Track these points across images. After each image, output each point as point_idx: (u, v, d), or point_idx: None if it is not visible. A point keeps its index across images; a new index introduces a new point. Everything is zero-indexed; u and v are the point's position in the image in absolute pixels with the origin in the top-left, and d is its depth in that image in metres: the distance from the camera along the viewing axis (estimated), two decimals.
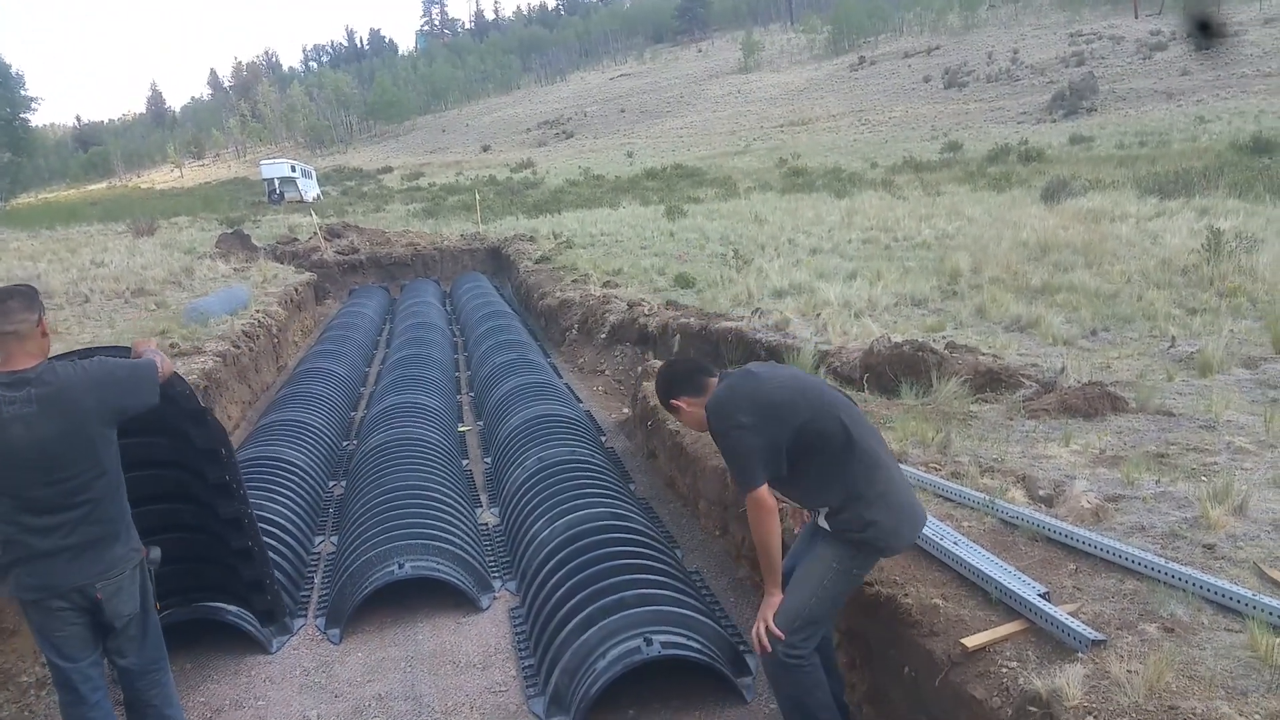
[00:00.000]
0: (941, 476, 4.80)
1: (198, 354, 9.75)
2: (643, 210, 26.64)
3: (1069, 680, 2.81)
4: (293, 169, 55.45)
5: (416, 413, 8.56)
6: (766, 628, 3.33)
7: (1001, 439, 5.49)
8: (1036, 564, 3.74)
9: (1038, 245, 13.23)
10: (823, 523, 3.43)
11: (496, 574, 5.86)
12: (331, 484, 7.80)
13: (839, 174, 35.41)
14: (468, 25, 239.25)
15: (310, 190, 54.48)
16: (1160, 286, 10.16)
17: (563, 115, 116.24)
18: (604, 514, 5.74)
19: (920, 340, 7.94)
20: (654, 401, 7.52)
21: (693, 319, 10.44)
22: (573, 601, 4.65)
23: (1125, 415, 5.84)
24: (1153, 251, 12.06)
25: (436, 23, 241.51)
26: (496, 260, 21.95)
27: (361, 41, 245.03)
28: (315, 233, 23.30)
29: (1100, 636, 3.04)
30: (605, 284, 14.06)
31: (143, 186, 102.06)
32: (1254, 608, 3.08)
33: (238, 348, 10.98)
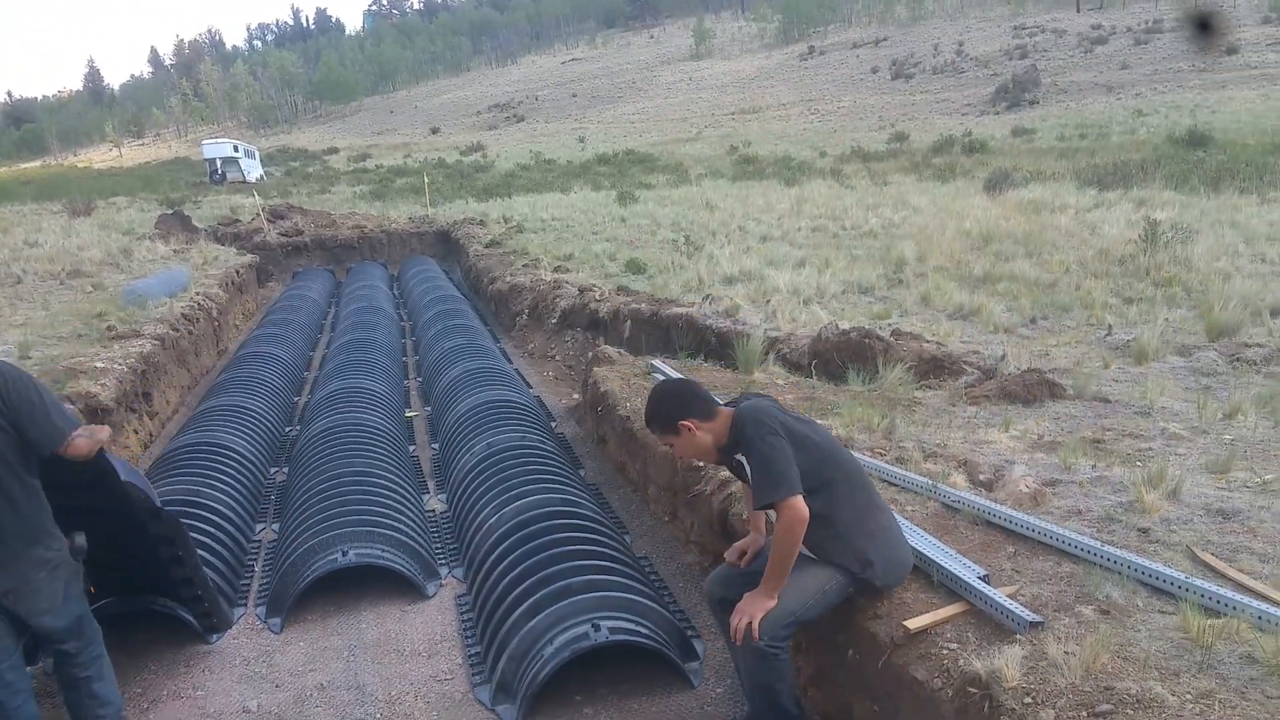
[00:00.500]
0: (886, 461, 4.86)
1: (135, 337, 9.53)
2: (594, 195, 26.55)
3: (1008, 661, 2.86)
4: (235, 149, 54.38)
5: (362, 398, 8.45)
6: (750, 625, 3.32)
7: (944, 425, 5.58)
8: (977, 547, 3.81)
9: (980, 235, 13.46)
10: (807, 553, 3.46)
11: (443, 561, 5.81)
12: (273, 470, 7.67)
13: (789, 162, 35.61)
14: (417, 6, 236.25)
15: (253, 171, 53.49)
16: (1098, 276, 10.40)
17: (513, 99, 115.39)
18: (553, 500, 5.71)
19: (867, 327, 8.04)
20: (605, 387, 7.51)
21: (644, 305, 10.44)
22: (521, 588, 4.62)
23: (1063, 402, 5.97)
24: (1091, 242, 12.34)
25: (385, 2, 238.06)
26: (445, 244, 21.72)
27: (308, 20, 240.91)
28: (258, 214, 22.87)
29: (1038, 618, 3.10)
30: (556, 269, 14.00)
31: (80, 165, 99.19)
32: (1186, 590, 3.16)
33: (177, 331, 10.76)
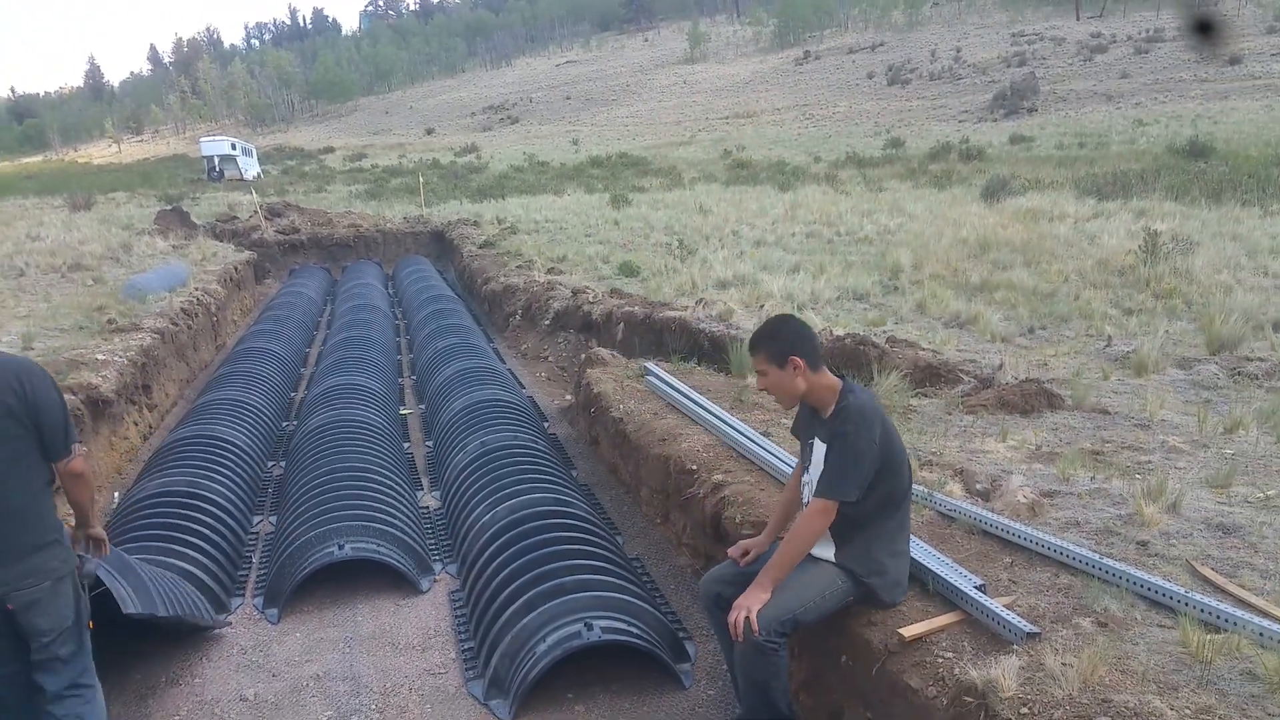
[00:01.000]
0: None
1: (135, 330, 9.54)
2: (588, 198, 26.52)
3: (1004, 671, 2.86)
4: (233, 147, 54.18)
5: (358, 395, 8.43)
6: (749, 618, 3.31)
7: (940, 433, 5.57)
8: (973, 557, 3.80)
9: (977, 243, 13.46)
10: (826, 554, 3.48)
11: (437, 557, 5.80)
12: (270, 464, 7.65)
13: (783, 167, 35.61)
14: (413, 6, 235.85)
15: (251, 169, 53.29)
16: (1097, 286, 10.40)
17: (508, 100, 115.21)
18: (546, 499, 5.71)
19: (862, 334, 8.04)
20: (598, 389, 7.50)
21: (637, 308, 10.42)
22: (514, 586, 4.62)
23: (1061, 412, 5.97)
24: (1090, 252, 12.34)
25: (381, 3, 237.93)
26: (440, 244, 21.69)
27: (304, 20, 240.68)
28: (256, 211, 22.82)
29: (1035, 629, 3.09)
30: (549, 271, 13.98)
31: (80, 161, 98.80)
32: (1186, 604, 3.16)
33: (176, 325, 10.75)
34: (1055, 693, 2.74)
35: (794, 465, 4.93)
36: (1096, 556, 3.54)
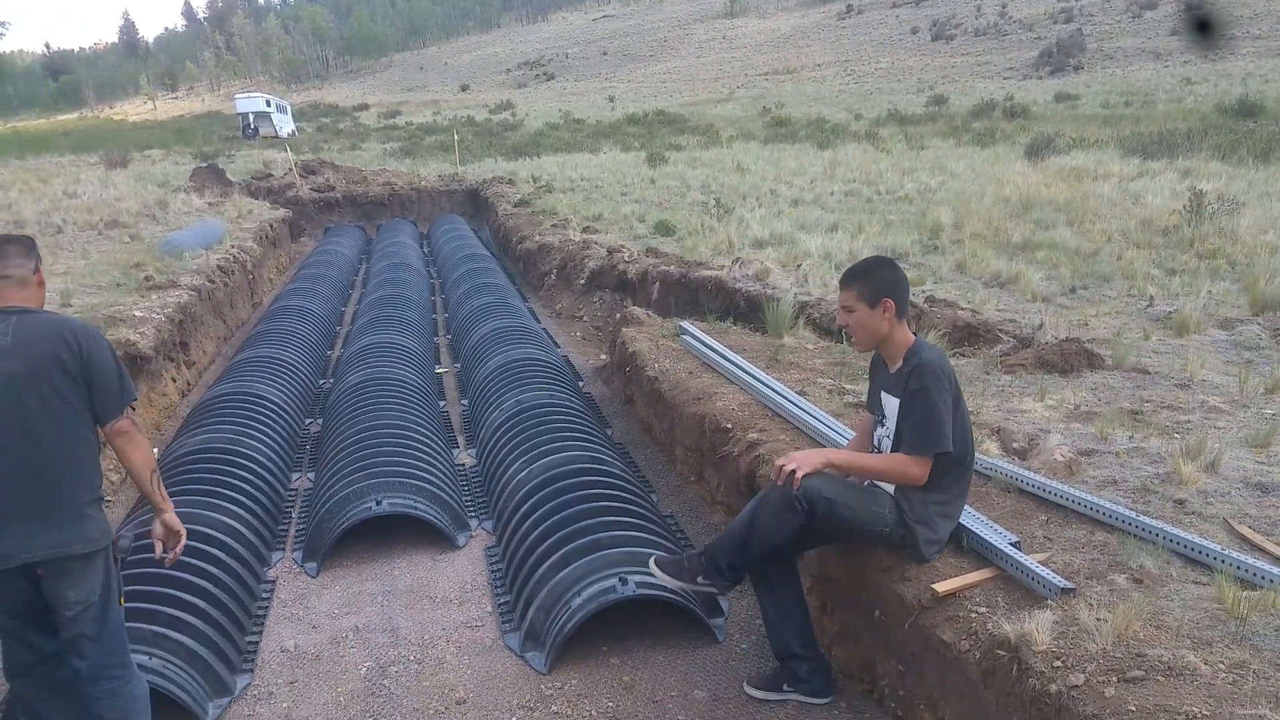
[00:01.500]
0: None
1: (173, 288, 9.64)
2: (623, 156, 26.40)
3: (1038, 626, 2.86)
4: (268, 104, 54.42)
5: (394, 353, 8.51)
6: (797, 470, 3.29)
7: (978, 392, 5.53)
8: (1009, 514, 3.79)
9: (1020, 202, 13.25)
10: (888, 486, 3.50)
11: (473, 513, 5.88)
12: (308, 421, 7.77)
13: (823, 125, 35.18)
14: None
15: (285, 126, 53.56)
16: (1140, 246, 10.22)
17: (544, 56, 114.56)
18: (581, 457, 5.75)
19: None
20: (633, 348, 7.52)
21: (673, 267, 10.40)
22: (549, 541, 4.67)
23: (1101, 372, 5.90)
24: (1134, 211, 12.11)
25: None
26: (474, 203, 21.72)
27: None
28: (290, 169, 22.95)
29: (1070, 585, 3.09)
30: (585, 229, 13.96)
31: (115, 118, 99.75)
32: (1222, 561, 3.14)
33: (213, 283, 10.87)
34: (1089, 647, 2.75)
35: (828, 422, 4.95)
36: (1133, 514, 3.52)
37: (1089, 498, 3.72)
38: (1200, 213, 10.80)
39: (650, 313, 8.78)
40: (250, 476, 5.86)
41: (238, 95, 59.33)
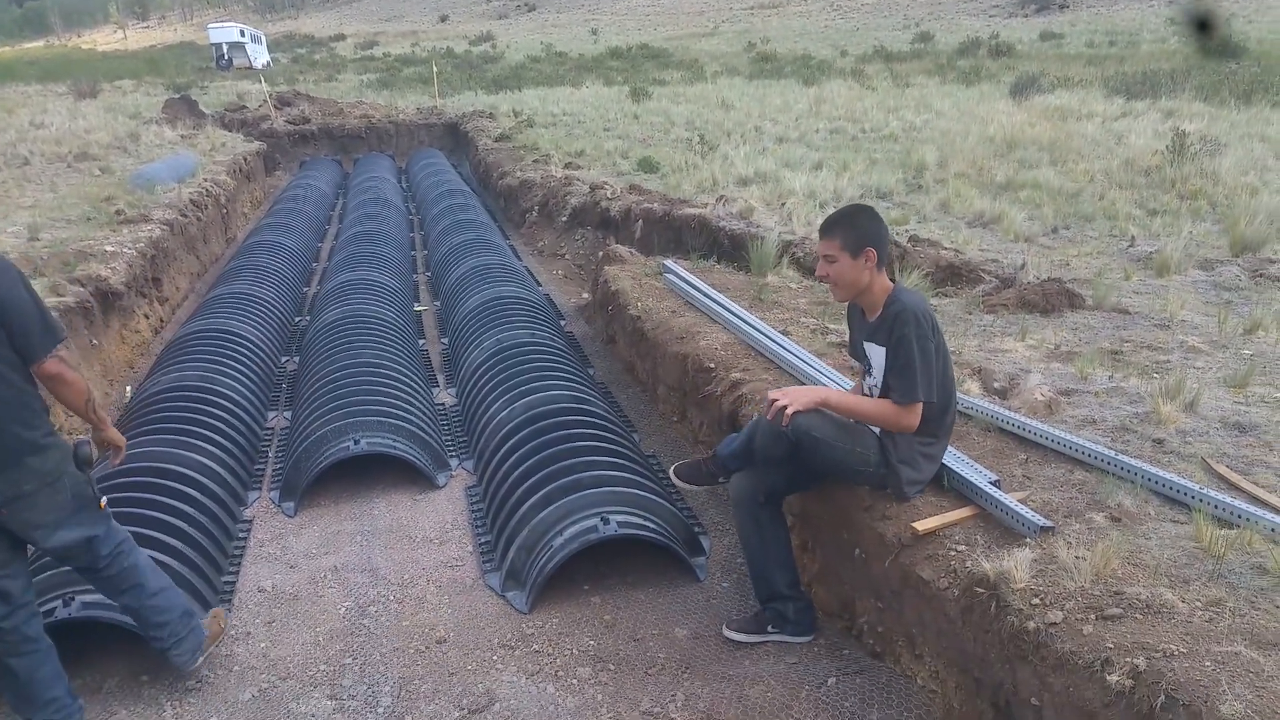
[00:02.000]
0: None
1: (144, 222, 9.45)
2: (606, 91, 25.94)
3: (1016, 563, 2.88)
4: (242, 34, 53.01)
5: (371, 290, 8.40)
6: (790, 405, 3.29)
7: (960, 332, 5.53)
8: (989, 453, 3.81)
9: (1004, 141, 13.17)
10: (874, 427, 3.49)
11: (453, 453, 5.86)
12: (284, 359, 7.70)
13: (808, 61, 34.68)
14: None
15: (260, 57, 52.27)
16: (1123, 186, 10.20)
17: None
18: (563, 397, 5.72)
19: None
20: (616, 286, 7.46)
21: (656, 204, 10.28)
22: (531, 481, 4.66)
23: (1082, 312, 5.91)
24: (1117, 151, 12.07)
25: None
26: (454, 137, 21.36)
27: None
28: (265, 101, 22.45)
29: (1049, 523, 3.11)
30: (567, 165, 13.75)
31: (84, 47, 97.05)
32: (1200, 500, 3.16)
33: (185, 217, 10.67)
34: (1067, 584, 2.77)
35: (811, 362, 4.93)
36: (1112, 453, 3.53)
37: (1068, 437, 3.73)
38: (1182, 153, 10.78)
39: (633, 251, 8.69)
40: (225, 415, 5.80)
41: (211, 25, 57.75)
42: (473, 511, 5.10)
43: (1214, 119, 14.32)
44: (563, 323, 8.51)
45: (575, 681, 3.63)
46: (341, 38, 79.89)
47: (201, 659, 3.63)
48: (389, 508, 5.19)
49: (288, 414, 6.53)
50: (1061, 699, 2.53)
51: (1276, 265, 7.03)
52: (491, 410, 5.80)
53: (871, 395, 3.54)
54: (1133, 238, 8.03)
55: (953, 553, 3.18)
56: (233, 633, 4.04)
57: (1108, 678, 2.39)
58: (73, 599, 3.65)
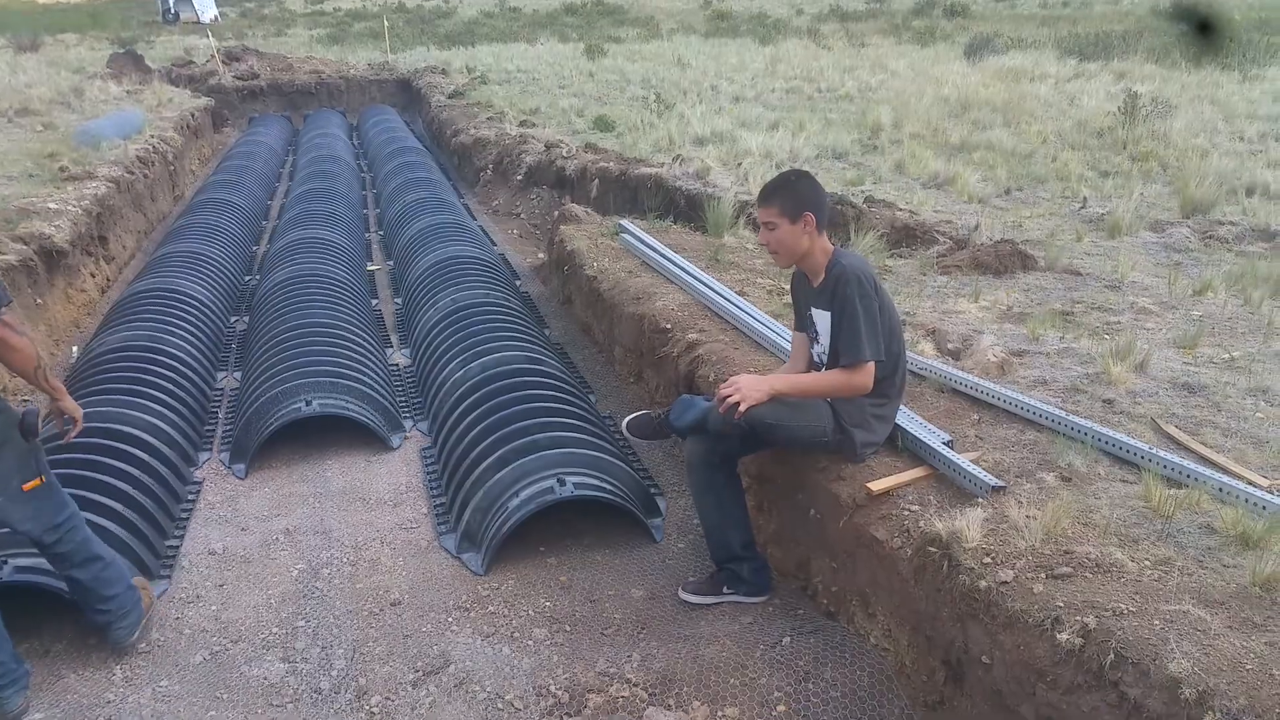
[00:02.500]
0: None
1: (89, 179, 9.20)
2: (561, 48, 25.58)
3: (968, 523, 2.91)
4: None
5: (323, 249, 8.25)
6: (742, 400, 3.26)
7: (914, 293, 5.57)
8: (942, 414, 3.84)
9: (958, 102, 13.22)
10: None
11: (407, 414, 5.79)
12: (233, 319, 7.54)
13: (764, 20, 34.44)
14: None
15: (207, 10, 50.57)
16: (1075, 148, 10.30)
17: None
18: (519, 357, 5.67)
19: (840, 194, 7.93)
20: (571, 246, 7.39)
21: (612, 163, 10.20)
22: (486, 442, 4.62)
23: (1034, 273, 5.97)
24: (1070, 113, 12.18)
25: None
26: (406, 93, 20.96)
27: None
28: (213, 56, 21.84)
29: (1000, 483, 3.14)
30: (522, 123, 13.57)
31: None
32: (1149, 460, 3.21)
33: (132, 174, 10.39)
34: (1018, 544, 2.80)
35: (767, 323, 4.93)
36: (1062, 413, 3.58)
37: (1020, 397, 3.77)
38: (1134, 115, 10.89)
39: (589, 210, 8.61)
40: (173, 375, 5.68)
41: None
42: (428, 473, 5.06)
43: (1165, 81, 14.51)
44: (518, 283, 8.43)
45: (531, 643, 3.62)
46: None
47: (138, 634, 3.57)
48: (342, 470, 5.13)
49: (238, 374, 6.41)
50: (1012, 657, 2.57)
51: (1225, 227, 7.14)
52: (446, 371, 5.73)
53: (820, 363, 3.55)
54: (1085, 199, 8.11)
55: (906, 512, 3.21)
56: (183, 595, 3.98)
57: (1058, 636, 2.43)
58: (4, 563, 3.55)
